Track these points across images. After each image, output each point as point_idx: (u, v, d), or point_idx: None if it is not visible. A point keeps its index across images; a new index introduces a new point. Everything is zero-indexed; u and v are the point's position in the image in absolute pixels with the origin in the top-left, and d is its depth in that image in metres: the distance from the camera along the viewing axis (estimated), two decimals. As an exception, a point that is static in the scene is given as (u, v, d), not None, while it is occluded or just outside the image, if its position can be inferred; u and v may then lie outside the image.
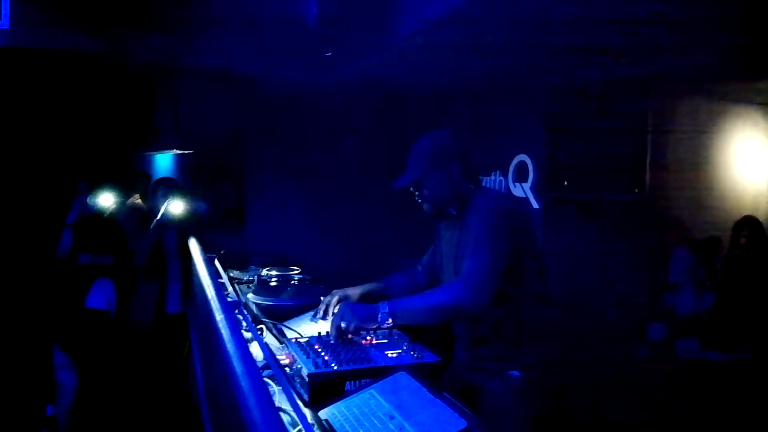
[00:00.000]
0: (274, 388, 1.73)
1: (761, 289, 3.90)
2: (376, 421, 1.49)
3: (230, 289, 2.77)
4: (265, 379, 1.71)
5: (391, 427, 1.45)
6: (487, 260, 2.06)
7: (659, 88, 4.27)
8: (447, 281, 2.46)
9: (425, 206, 2.38)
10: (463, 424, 1.38)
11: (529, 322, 2.16)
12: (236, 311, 2.15)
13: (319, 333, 2.11)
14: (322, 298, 2.54)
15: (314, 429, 1.50)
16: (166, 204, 3.98)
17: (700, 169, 4.74)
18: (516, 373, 2.10)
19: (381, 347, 2.01)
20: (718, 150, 4.93)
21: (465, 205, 2.31)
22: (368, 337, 2.09)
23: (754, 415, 3.29)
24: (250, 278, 3.12)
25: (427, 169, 2.28)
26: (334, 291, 2.53)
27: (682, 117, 4.54)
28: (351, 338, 2.06)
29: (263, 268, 3.40)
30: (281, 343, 2.15)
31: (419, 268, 2.71)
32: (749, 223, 4.33)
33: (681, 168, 4.50)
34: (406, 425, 1.43)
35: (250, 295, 2.73)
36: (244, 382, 1.25)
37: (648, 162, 4.19)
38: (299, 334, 2.16)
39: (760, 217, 4.81)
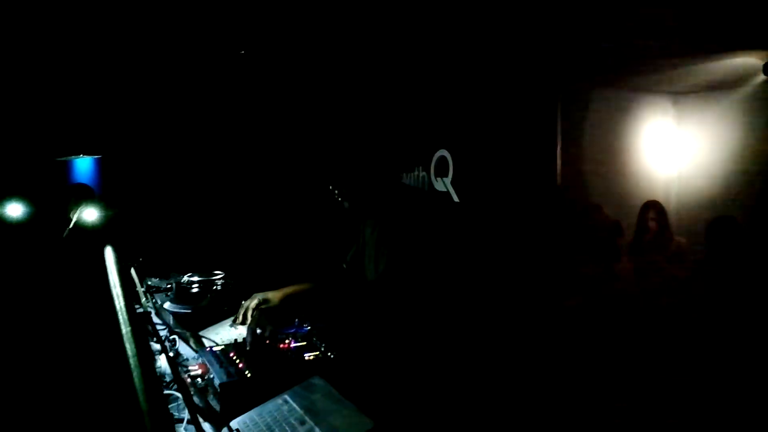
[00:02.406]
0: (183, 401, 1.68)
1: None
2: (287, 427, 1.48)
3: (144, 299, 2.67)
4: (174, 393, 1.67)
5: (301, 431, 1.44)
6: None
7: (570, 77, 4.38)
8: (370, 277, 2.47)
9: (345, 204, 2.39)
10: (370, 424, 1.39)
11: None
12: (147, 323, 2.07)
13: (236, 340, 2.07)
14: (243, 302, 2.50)
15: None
16: (78, 211, 3.80)
17: (612, 157, 4.88)
18: None
19: (298, 351, 1.99)
20: (630, 138, 5.11)
21: (383, 202, 2.33)
22: (286, 341, 2.07)
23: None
24: (169, 285, 3.01)
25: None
26: (254, 294, 2.49)
27: (592, 106, 4.66)
28: (268, 343, 2.03)
29: (184, 274, 3.30)
30: (197, 352, 2.09)
31: (343, 266, 2.71)
32: (655, 205, 4.36)
33: (593, 157, 4.61)
34: (317, 429, 1.43)
35: (166, 304, 2.65)
36: (141, 398, 1.22)
37: (558, 152, 4.29)
38: (214, 342, 2.11)
39: (671, 202, 5.04)
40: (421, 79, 4.66)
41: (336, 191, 2.41)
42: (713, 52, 3.94)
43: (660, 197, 4.75)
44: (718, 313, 3.58)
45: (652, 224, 4.26)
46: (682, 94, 5.28)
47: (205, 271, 3.37)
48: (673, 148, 5.42)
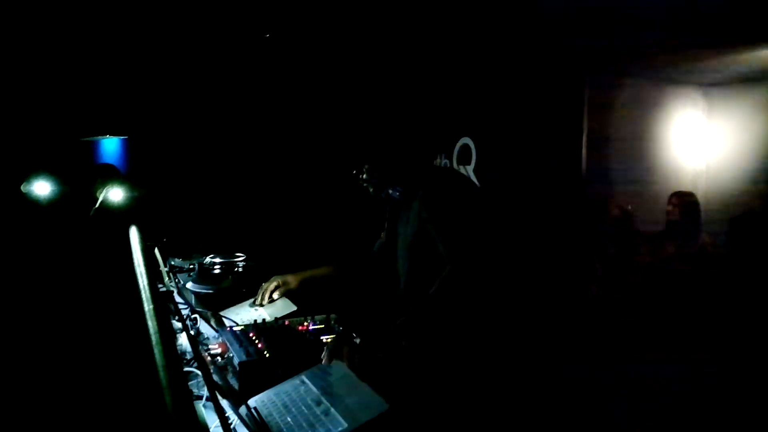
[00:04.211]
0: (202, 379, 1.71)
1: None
2: (303, 407, 1.50)
3: (167, 278, 2.72)
4: (194, 370, 1.71)
5: (318, 412, 1.46)
6: None
7: (597, 67, 4.31)
8: (401, 266, 2.42)
9: (370, 189, 2.33)
10: (385, 406, 1.40)
11: None
12: (169, 301, 2.11)
13: (255, 320, 2.10)
14: (263, 284, 2.53)
15: (242, 418, 1.50)
16: (104, 191, 3.86)
17: (639, 149, 4.81)
18: None
19: (316, 333, 2.02)
20: (658, 130, 5.02)
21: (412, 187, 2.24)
22: (305, 323, 2.09)
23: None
24: (191, 266, 3.05)
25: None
26: (274, 277, 2.51)
27: (620, 96, 4.58)
28: (287, 324, 2.06)
29: (207, 255, 3.33)
30: (217, 331, 2.12)
31: (374, 251, 2.67)
32: (685, 196, 4.27)
33: (619, 148, 4.54)
34: (332, 410, 1.45)
35: (189, 284, 2.69)
36: (162, 373, 1.24)
37: (584, 142, 4.23)
38: (235, 322, 2.14)
39: (698, 195, 4.94)
40: (446, 67, 4.63)
41: (361, 176, 2.36)
42: (744, 44, 3.86)
43: (687, 190, 4.66)
44: (740, 311, 3.52)
45: (679, 215, 4.14)
46: (713, 86, 5.18)
47: (227, 253, 3.41)
48: (703, 141, 5.32)
